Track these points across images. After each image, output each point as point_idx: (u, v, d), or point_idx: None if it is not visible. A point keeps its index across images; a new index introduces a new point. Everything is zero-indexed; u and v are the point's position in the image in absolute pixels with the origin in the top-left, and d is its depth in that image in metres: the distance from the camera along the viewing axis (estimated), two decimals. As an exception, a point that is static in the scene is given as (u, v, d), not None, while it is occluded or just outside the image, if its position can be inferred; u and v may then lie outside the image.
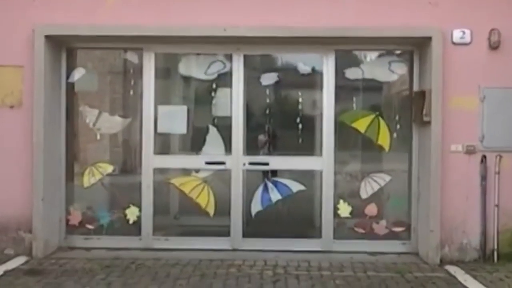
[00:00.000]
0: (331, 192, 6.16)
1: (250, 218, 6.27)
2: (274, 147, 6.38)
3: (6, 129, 5.89)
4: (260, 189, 6.28)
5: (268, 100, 6.26)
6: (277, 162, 6.22)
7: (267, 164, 6.18)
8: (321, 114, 6.18)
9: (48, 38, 5.86)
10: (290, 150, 6.28)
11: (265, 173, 6.31)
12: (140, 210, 6.27)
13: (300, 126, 6.25)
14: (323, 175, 6.15)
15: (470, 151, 5.81)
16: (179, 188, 6.31)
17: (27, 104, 5.86)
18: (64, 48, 6.21)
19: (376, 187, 6.25)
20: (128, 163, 6.50)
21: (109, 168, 6.36)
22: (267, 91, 6.27)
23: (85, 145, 6.47)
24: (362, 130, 6.23)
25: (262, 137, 6.36)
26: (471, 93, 5.82)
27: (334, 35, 5.80)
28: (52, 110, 6.02)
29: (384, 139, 6.22)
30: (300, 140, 6.23)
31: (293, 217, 6.35)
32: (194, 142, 6.39)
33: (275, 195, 6.26)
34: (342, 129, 6.21)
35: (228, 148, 6.22)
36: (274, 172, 6.31)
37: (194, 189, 6.28)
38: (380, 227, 6.23)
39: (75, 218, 6.32)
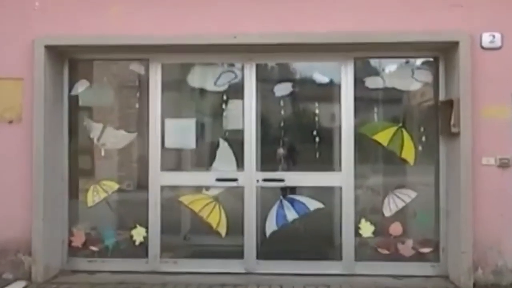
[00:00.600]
0: (351, 210, 5.70)
1: (265, 238, 5.82)
2: (291, 162, 5.95)
3: (5, 146, 5.55)
4: (275, 207, 5.85)
5: (282, 112, 5.85)
6: (293, 178, 5.78)
7: (282, 180, 5.75)
8: (340, 127, 5.75)
9: (49, 48, 5.54)
10: (307, 165, 5.85)
11: (281, 190, 5.88)
12: (147, 231, 5.86)
13: (317, 139, 5.83)
14: (343, 191, 5.70)
15: (504, 164, 5.32)
16: (188, 207, 5.90)
17: (27, 118, 5.53)
18: (66, 59, 5.89)
19: (400, 204, 5.77)
20: (134, 180, 6.12)
21: (115, 186, 5.98)
22: (282, 103, 5.85)
23: (89, 161, 6.10)
24: (385, 143, 5.78)
25: (281, 151, 5.92)
26: (503, 101, 5.35)
27: (354, 41, 5.39)
28: (53, 124, 5.68)
29: (408, 152, 5.76)
30: (317, 155, 5.80)
31: (311, 238, 5.89)
32: (204, 157, 6.00)
33: (291, 214, 5.82)
34: (362, 142, 5.77)
35: (240, 163, 5.82)
36: (291, 189, 5.88)
37: (204, 207, 5.87)
38: (406, 248, 5.74)
39: (78, 240, 5.94)
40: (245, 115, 5.77)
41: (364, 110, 5.84)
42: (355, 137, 5.72)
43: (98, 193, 5.95)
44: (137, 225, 5.90)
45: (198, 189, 5.92)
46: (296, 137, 5.95)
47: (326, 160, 5.84)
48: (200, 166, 6.03)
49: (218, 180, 5.78)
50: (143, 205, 5.86)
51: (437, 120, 5.69)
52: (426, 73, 5.82)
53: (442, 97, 5.68)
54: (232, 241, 5.83)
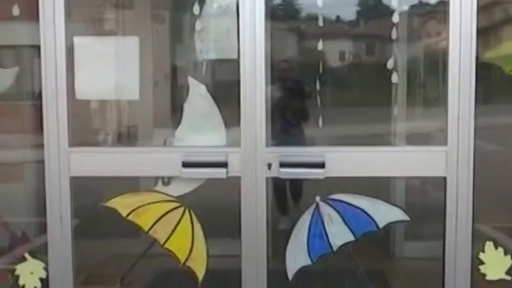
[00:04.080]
0: (467, 227, 2.72)
1: (285, 283, 2.85)
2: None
3: None
4: (306, 219, 2.85)
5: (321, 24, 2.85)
6: (344, 159, 2.76)
7: (320, 166, 2.72)
8: (443, 53, 2.75)
9: None
10: (372, 135, 2.92)
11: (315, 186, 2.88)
12: (46, 267, 2.90)
13: (393, 78, 2.85)
14: (448, 187, 2.71)
15: None
16: (127, 221, 2.89)
17: None
18: None
19: None
20: (16, 169, 3.09)
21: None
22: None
23: None
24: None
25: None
26: None
27: None
28: None
29: None
30: (394, 112, 2.85)
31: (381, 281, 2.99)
32: (158, 118, 3.02)
33: (340, 233, 2.81)
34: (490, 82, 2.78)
35: (233, 132, 2.84)
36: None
37: (160, 221, 2.87)
38: None
39: None
40: (244, 29, 2.73)
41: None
42: (477, 73, 2.70)
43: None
44: (29, 257, 2.94)
45: (146, 183, 2.97)
46: (346, 76, 3.13)
47: (410, 122, 2.88)
48: (150, 137, 3.04)
49: (187, 165, 2.75)
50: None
51: None
52: None
53: None
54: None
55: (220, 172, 2.76)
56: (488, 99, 2.94)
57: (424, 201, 3.88)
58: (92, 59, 2.84)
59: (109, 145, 3.85)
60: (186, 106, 2.86)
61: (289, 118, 3.95)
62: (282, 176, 2.76)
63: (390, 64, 2.86)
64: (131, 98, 2.93)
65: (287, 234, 2.86)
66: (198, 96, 2.86)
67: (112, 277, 3.66)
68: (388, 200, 2.85)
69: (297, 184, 3.76)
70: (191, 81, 2.86)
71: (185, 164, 2.76)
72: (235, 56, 2.76)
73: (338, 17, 5.16)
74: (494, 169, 3.20)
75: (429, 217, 3.16)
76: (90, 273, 3.53)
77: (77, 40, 2.81)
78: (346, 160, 2.76)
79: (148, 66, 3.88)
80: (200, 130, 2.86)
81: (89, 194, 2.98)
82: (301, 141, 3.93)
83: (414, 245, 4.06)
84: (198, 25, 2.82)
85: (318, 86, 3.08)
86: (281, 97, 4.04)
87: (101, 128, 3.86)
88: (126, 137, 4.01)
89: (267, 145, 2.76)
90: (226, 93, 2.94)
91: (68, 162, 2.80)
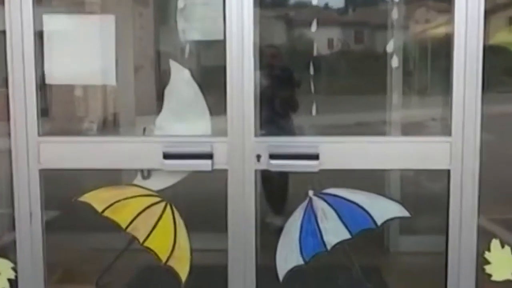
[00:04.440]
0: (472, 223, 2.52)
1: (275, 285, 2.63)
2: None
3: None
4: (299, 215, 2.62)
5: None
6: (338, 151, 2.54)
7: (314, 157, 2.49)
8: (447, 38, 2.53)
9: None
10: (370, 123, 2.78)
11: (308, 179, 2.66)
12: (15, 267, 2.66)
13: (394, 62, 2.63)
14: (452, 181, 2.50)
15: None
16: (104, 217, 2.65)
17: None
18: None
19: None
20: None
21: None
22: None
23: None
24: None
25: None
26: None
27: None
28: None
29: None
30: (394, 100, 2.70)
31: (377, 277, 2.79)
32: (138, 105, 2.79)
33: (334, 230, 2.59)
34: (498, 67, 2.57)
35: (219, 120, 2.61)
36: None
37: (140, 218, 2.64)
38: None
39: None
40: (231, 9, 2.48)
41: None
42: (484, 57, 2.47)
43: None
44: (-4, 256, 2.70)
45: (124, 176, 2.73)
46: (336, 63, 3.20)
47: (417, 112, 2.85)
48: (128, 125, 2.80)
49: (168, 156, 2.51)
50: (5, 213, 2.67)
51: None
52: None
53: None
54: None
55: (205, 164, 2.52)
56: (495, 86, 2.73)
57: (419, 194, 3.70)
58: (63, 40, 2.58)
59: (94, 134, 3.63)
60: (168, 92, 2.61)
61: (277, 108, 3.70)
62: (272, 169, 2.53)
63: (389, 47, 2.64)
64: (107, 83, 2.67)
65: (278, 232, 2.65)
66: (181, 81, 2.61)
67: (91, 273, 3.44)
68: (385, 194, 2.62)
69: (282, 178, 3.53)
70: (173, 65, 2.61)
71: (167, 156, 2.52)
72: (221, 37, 2.52)
73: (327, 4, 4.96)
74: (499, 161, 2.99)
75: (425, 211, 2.98)
76: (67, 270, 3.30)
77: (47, 19, 2.55)
78: (341, 152, 2.54)
79: (130, 50, 3.64)
80: (183, 118, 2.61)
81: (68, 184, 2.73)
82: (290, 131, 3.70)
83: (409, 239, 3.87)
84: (180, 2, 2.56)
85: (311, 72, 2.85)
86: (269, 85, 3.80)
87: (79, 116, 3.62)
88: (107, 126, 3.77)
89: (256, 134, 2.53)
90: (211, 79, 2.71)
91: (37, 153, 2.55)
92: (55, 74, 2.57)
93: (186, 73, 2.61)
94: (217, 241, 2.64)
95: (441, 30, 3.35)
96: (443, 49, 2.67)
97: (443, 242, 2.53)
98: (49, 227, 2.68)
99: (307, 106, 2.85)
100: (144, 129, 2.69)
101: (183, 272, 2.65)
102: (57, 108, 3.34)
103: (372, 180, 2.81)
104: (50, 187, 2.66)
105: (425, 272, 2.95)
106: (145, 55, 4.22)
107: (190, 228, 2.63)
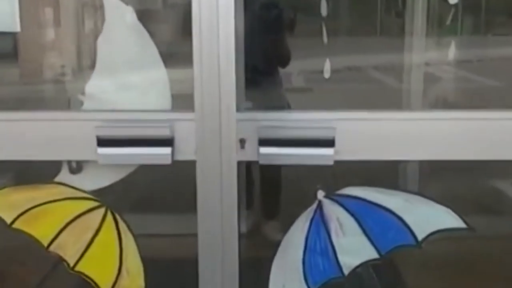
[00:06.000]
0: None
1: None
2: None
3: None
4: (303, 226, 1.79)
5: None
6: (364, 131, 1.68)
7: (327, 142, 1.63)
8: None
9: None
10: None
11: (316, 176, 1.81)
12: None
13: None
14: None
15: None
16: (15, 230, 1.80)
17: None
18: None
19: None
20: None
21: None
22: None
23: None
24: None
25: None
26: None
27: None
28: None
29: None
30: None
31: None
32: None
33: (356, 249, 1.78)
34: None
35: (181, 85, 1.72)
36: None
37: (68, 231, 1.79)
38: None
39: None
40: None
41: None
42: None
43: None
44: None
45: (44, 170, 1.86)
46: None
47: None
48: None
49: (104, 143, 1.64)
50: None
51: None
52: None
53: None
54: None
55: (161, 155, 1.66)
56: None
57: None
58: None
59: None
60: (102, 43, 1.70)
61: (265, 64, 2.68)
62: (263, 161, 1.67)
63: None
64: (7, 30, 1.75)
65: (271, 247, 1.82)
66: (121, 27, 1.69)
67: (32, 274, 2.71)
68: (426, 194, 1.78)
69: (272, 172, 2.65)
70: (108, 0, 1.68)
71: (102, 142, 1.65)
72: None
73: None
74: None
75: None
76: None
77: None
78: (368, 134, 1.68)
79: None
80: (126, 82, 1.72)
81: None
82: (281, 98, 2.77)
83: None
84: None
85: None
86: (251, 31, 2.82)
87: None
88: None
89: (238, 109, 1.65)
90: (169, 21, 1.79)
91: None
92: None
93: (129, 12, 1.68)
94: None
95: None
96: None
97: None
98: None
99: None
100: (69, 100, 1.78)
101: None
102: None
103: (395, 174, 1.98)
104: None
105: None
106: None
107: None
